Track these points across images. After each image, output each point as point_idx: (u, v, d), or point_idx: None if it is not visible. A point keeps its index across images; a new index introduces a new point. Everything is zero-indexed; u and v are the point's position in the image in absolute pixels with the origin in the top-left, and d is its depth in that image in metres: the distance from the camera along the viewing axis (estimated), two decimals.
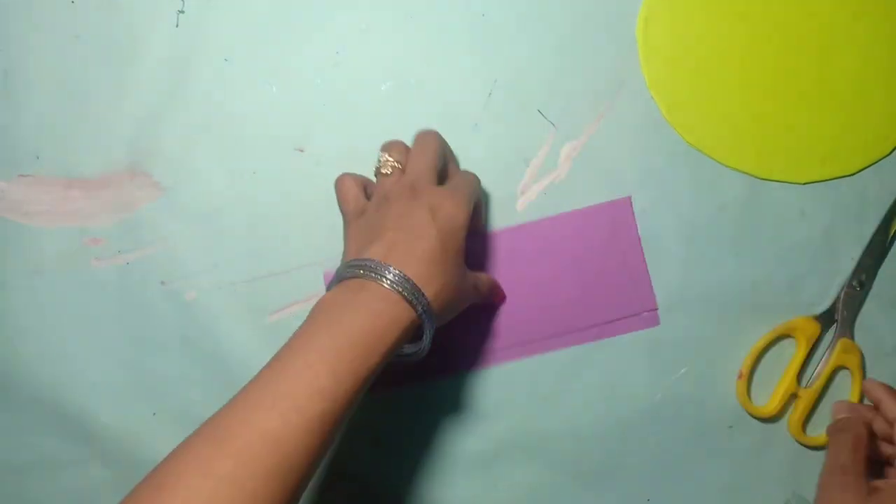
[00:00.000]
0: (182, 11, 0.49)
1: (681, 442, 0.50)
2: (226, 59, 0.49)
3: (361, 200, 0.43)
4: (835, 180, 0.51)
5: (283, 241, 0.49)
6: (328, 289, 0.39)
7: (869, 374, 0.51)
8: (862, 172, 0.51)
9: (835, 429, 0.48)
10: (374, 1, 0.50)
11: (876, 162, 0.51)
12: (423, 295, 0.38)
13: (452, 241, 0.40)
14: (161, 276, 0.49)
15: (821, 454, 0.50)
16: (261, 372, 0.35)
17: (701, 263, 0.50)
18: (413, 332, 0.38)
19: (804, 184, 0.51)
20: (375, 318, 0.36)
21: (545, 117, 0.50)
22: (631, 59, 0.50)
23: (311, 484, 0.48)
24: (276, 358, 0.36)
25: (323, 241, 0.48)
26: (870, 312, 0.51)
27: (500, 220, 0.49)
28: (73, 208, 0.49)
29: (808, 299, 0.50)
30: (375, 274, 0.37)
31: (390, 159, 0.43)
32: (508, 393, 0.49)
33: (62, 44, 0.49)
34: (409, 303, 0.37)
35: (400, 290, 0.37)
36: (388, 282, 0.37)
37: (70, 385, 0.48)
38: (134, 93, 0.49)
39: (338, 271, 0.39)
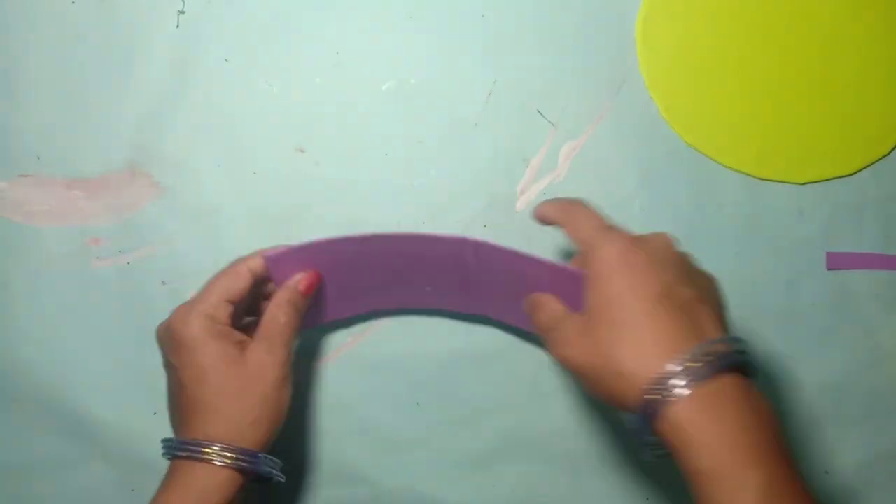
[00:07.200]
0: (182, 11, 0.49)
1: None
2: (226, 59, 0.49)
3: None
4: (834, 180, 0.51)
5: (283, 242, 0.49)
6: None
7: (868, 376, 0.51)
8: (861, 172, 0.51)
9: None
10: (375, 1, 0.50)
11: (875, 162, 0.51)
12: (171, 440, 0.40)
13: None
14: (162, 275, 0.49)
15: (824, 454, 0.50)
16: None
17: (700, 263, 0.50)
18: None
19: (803, 184, 0.51)
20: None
21: (545, 117, 0.50)
22: (630, 59, 0.50)
23: (309, 484, 0.48)
24: None
25: None
26: (869, 313, 0.51)
27: (499, 219, 0.50)
28: (74, 208, 0.49)
29: (808, 299, 0.51)
30: None
31: None
32: (508, 390, 0.49)
33: (62, 44, 0.49)
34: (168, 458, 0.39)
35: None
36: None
37: (71, 385, 0.48)
38: (134, 93, 0.49)
39: None
